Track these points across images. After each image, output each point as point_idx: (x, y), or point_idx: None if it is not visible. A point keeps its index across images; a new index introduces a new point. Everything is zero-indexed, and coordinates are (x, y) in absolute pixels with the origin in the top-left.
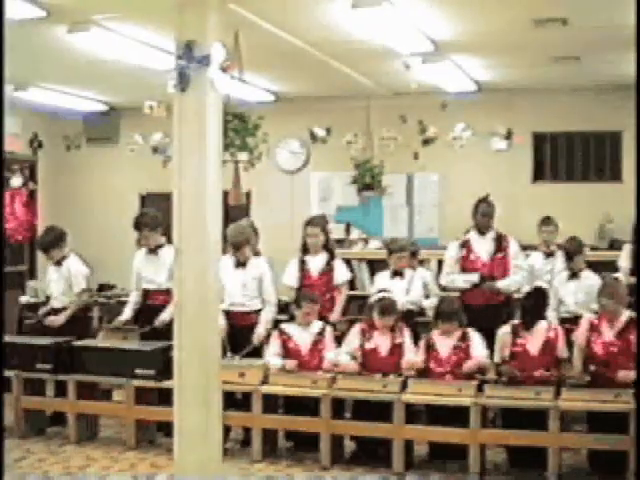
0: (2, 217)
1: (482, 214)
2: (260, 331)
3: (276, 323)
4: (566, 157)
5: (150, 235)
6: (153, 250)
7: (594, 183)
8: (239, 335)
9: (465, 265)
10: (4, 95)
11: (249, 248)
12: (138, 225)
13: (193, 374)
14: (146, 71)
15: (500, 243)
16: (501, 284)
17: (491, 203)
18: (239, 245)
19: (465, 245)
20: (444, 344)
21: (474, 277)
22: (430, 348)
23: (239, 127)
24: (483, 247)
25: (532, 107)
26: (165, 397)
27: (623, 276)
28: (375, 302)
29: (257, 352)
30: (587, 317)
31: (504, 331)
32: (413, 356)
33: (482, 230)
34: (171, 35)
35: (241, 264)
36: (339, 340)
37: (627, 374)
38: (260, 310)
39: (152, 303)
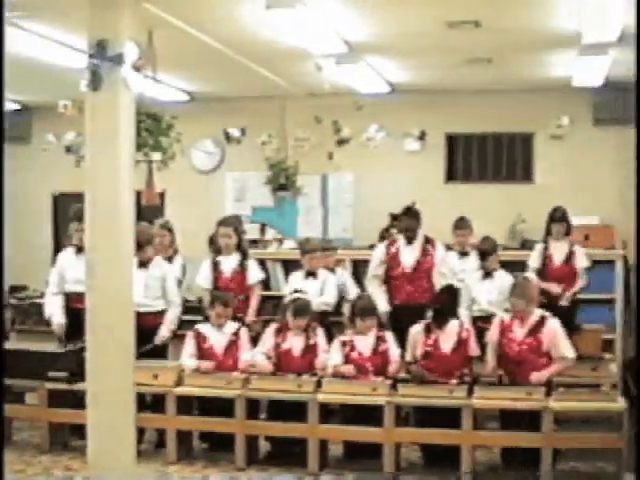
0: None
1: (405, 229)
2: (163, 332)
3: (190, 324)
4: (478, 158)
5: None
6: (81, 249)
7: (506, 184)
8: (142, 336)
9: (391, 271)
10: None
11: (152, 248)
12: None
13: (106, 376)
14: (59, 70)
15: (426, 249)
16: None
17: (415, 213)
18: (141, 245)
19: (392, 250)
20: (363, 345)
21: (383, 307)
22: (348, 349)
23: (152, 127)
24: (409, 255)
25: (445, 108)
26: (79, 399)
27: (532, 276)
28: (289, 303)
29: (161, 353)
30: (499, 316)
31: (416, 330)
32: (327, 356)
33: (409, 239)
34: (84, 33)
35: (143, 264)
36: (254, 341)
37: (540, 376)
38: (164, 311)
39: (75, 306)
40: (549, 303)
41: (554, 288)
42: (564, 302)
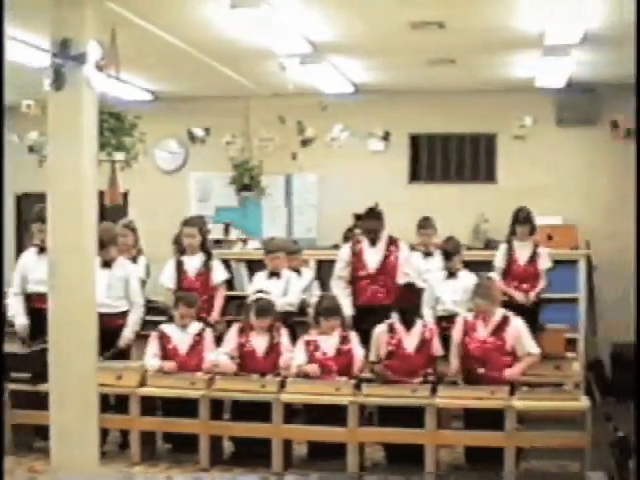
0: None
1: (368, 230)
2: (126, 334)
3: (154, 324)
4: (442, 158)
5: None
6: (43, 250)
7: (469, 184)
8: (105, 338)
9: (355, 272)
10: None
11: (115, 248)
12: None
13: (69, 377)
14: (22, 69)
15: (390, 249)
16: None
17: (378, 214)
18: (104, 244)
19: (356, 250)
20: (328, 345)
21: (346, 311)
22: (312, 349)
23: (115, 126)
24: (373, 257)
25: (409, 109)
26: (42, 400)
27: (497, 276)
28: (252, 303)
29: (124, 354)
30: (463, 316)
31: (380, 330)
32: (291, 355)
33: (372, 241)
34: (47, 33)
35: (106, 264)
36: (219, 341)
37: (512, 372)
38: (127, 312)
39: (38, 307)
40: (512, 303)
41: (518, 296)
42: (527, 303)
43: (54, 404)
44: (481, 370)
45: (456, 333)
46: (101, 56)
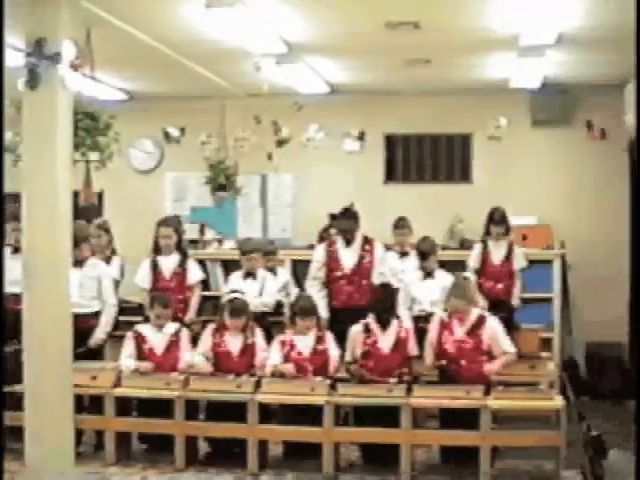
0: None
1: (342, 230)
2: (98, 334)
3: (130, 325)
4: (417, 159)
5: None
6: (18, 250)
7: (444, 184)
8: (78, 338)
9: (330, 273)
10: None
11: (88, 246)
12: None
13: (44, 378)
14: None
15: (365, 249)
16: None
17: (353, 215)
18: (77, 242)
19: (331, 251)
20: (303, 345)
21: (322, 313)
22: (288, 349)
23: (90, 126)
24: (348, 257)
25: (384, 109)
26: (16, 401)
27: (471, 275)
28: (226, 303)
29: (98, 354)
30: (438, 315)
31: (356, 330)
32: (266, 354)
33: (347, 241)
34: (21, 32)
35: (79, 263)
36: (195, 341)
37: (492, 367)
38: (100, 312)
39: (12, 308)
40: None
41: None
42: (516, 303)
43: (29, 405)
44: (463, 362)
45: (431, 332)
46: (76, 55)
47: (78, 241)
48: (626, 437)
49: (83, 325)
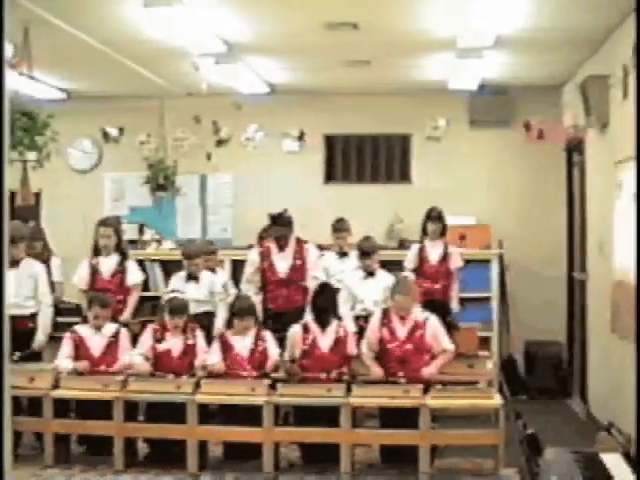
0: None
1: (275, 237)
2: (39, 337)
3: (68, 326)
4: (357, 159)
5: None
6: None
7: (384, 184)
8: (15, 340)
9: (265, 277)
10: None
11: (24, 246)
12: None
13: None
14: None
15: (299, 253)
16: None
17: (286, 221)
18: (13, 241)
19: (265, 256)
20: (242, 345)
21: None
22: (227, 349)
23: (27, 125)
24: (282, 262)
25: (324, 109)
26: None
27: (411, 275)
28: (165, 302)
29: (36, 356)
30: (378, 314)
31: (294, 330)
32: (207, 356)
33: (281, 247)
34: None
35: (14, 262)
36: (133, 341)
37: (430, 370)
38: (35, 314)
39: None
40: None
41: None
42: (454, 306)
43: None
44: (401, 374)
45: (373, 323)
46: (13, 54)
47: (14, 240)
48: (561, 435)
49: (21, 327)
